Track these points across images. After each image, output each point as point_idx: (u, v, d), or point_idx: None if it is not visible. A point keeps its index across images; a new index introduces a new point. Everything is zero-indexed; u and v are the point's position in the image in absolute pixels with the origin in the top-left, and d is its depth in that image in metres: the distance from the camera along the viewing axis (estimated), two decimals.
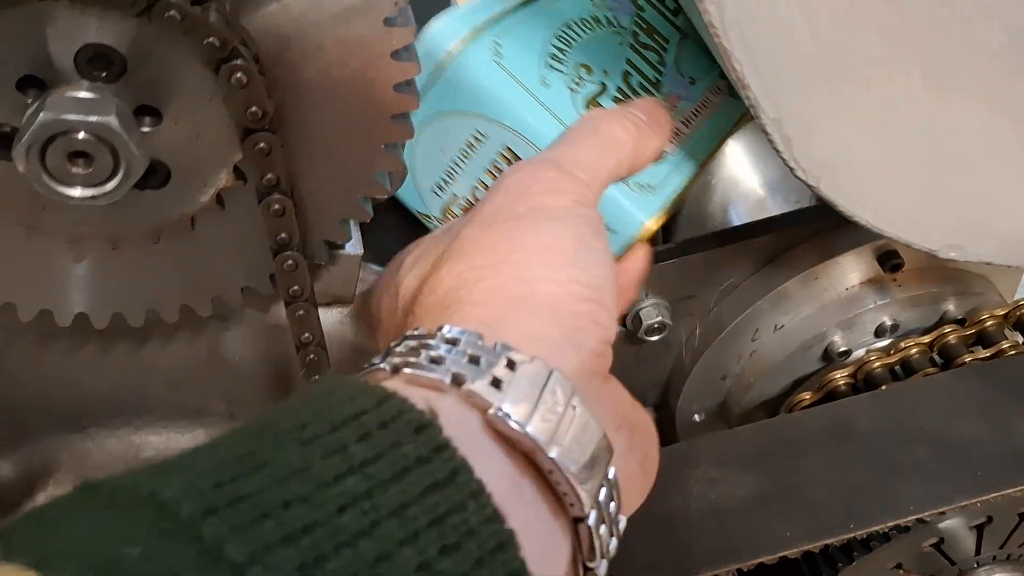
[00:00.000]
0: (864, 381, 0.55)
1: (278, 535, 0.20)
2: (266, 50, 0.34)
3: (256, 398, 0.48)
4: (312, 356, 0.41)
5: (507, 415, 0.26)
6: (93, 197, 0.34)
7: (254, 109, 0.34)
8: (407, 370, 0.27)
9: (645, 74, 0.48)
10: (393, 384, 0.27)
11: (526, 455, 0.26)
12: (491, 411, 0.26)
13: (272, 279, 0.40)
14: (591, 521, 0.27)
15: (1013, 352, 0.54)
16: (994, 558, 0.55)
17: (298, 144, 0.37)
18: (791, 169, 0.41)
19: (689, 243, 0.54)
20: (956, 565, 0.53)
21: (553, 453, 0.26)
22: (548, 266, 0.33)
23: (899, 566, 0.52)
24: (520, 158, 0.44)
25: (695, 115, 0.49)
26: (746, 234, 0.55)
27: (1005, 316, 0.55)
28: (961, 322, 0.56)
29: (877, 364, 0.54)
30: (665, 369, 0.60)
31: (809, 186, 0.41)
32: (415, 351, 0.28)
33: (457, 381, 0.26)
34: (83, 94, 0.33)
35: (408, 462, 0.23)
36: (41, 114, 0.32)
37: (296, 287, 0.39)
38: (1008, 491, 0.47)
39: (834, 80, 0.41)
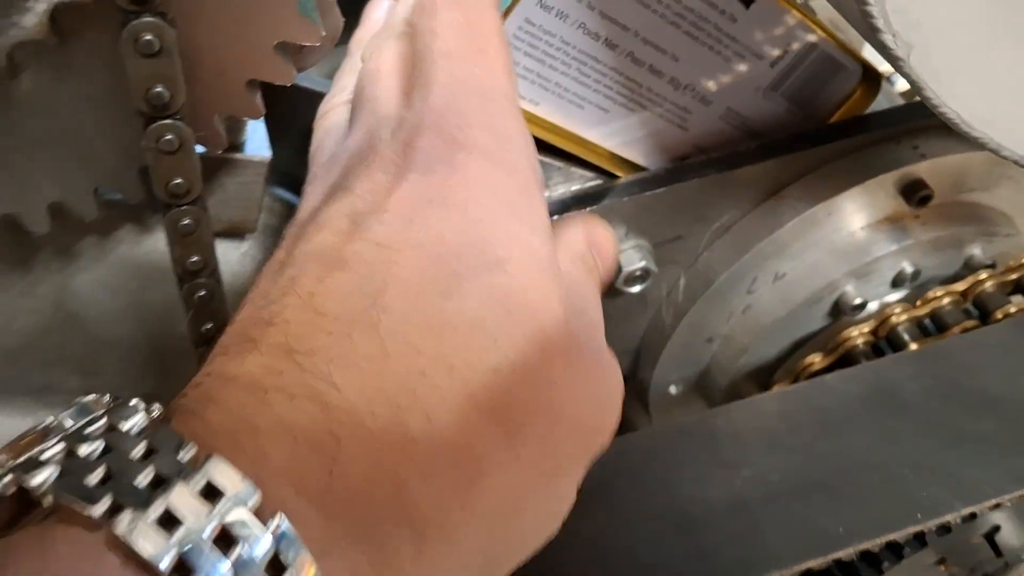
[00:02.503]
0: (888, 339, 0.45)
1: None
2: None
3: (122, 368, 0.34)
4: (202, 292, 0.28)
5: None
6: None
7: None
8: None
9: None
10: None
11: None
12: None
13: (142, 174, 0.27)
14: None
15: None
16: None
17: None
18: (876, 31, 0.30)
19: (680, 169, 0.43)
20: (1003, 557, 0.44)
21: None
22: None
23: (942, 561, 0.43)
24: None
25: None
26: (745, 160, 0.44)
27: None
28: (991, 268, 0.47)
29: (904, 317, 0.44)
30: (639, 331, 0.48)
31: (895, 58, 0.31)
32: None
33: None
34: None
35: None
36: None
37: (179, 180, 0.25)
38: None
39: None
